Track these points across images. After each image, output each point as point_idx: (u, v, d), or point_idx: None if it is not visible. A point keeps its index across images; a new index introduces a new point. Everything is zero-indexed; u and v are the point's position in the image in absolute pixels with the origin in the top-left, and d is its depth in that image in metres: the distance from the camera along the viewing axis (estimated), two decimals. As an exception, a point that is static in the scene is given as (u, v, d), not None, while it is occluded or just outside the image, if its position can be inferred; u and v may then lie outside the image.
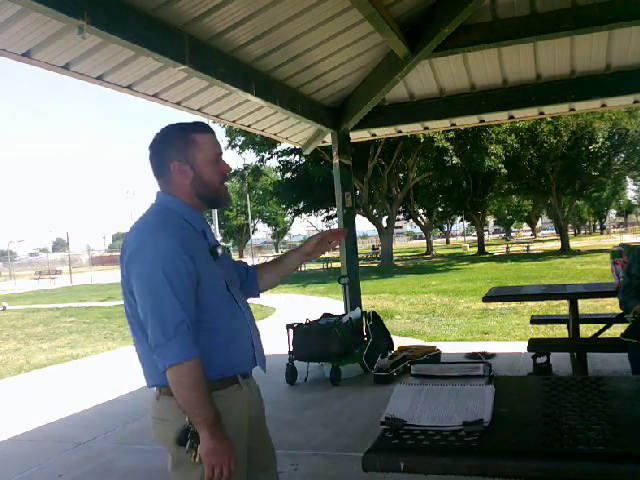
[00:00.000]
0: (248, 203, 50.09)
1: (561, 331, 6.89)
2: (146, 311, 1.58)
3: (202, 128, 1.74)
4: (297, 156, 28.66)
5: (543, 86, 5.76)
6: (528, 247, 34.09)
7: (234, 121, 5.62)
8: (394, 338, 6.42)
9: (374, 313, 6.06)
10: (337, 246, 2.00)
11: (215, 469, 1.56)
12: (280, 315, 11.62)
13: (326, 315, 5.88)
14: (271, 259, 2.12)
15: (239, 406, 1.70)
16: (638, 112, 27.17)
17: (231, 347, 1.70)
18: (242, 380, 1.73)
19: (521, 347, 5.37)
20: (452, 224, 69.09)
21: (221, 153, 1.77)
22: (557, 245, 35.77)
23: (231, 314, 1.72)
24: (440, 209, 39.25)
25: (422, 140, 22.71)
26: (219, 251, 1.74)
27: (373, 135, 7.16)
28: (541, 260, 24.52)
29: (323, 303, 13.39)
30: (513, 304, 10.14)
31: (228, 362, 1.69)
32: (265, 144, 26.58)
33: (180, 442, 1.58)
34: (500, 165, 25.72)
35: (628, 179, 40.95)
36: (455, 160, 24.25)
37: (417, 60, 4.96)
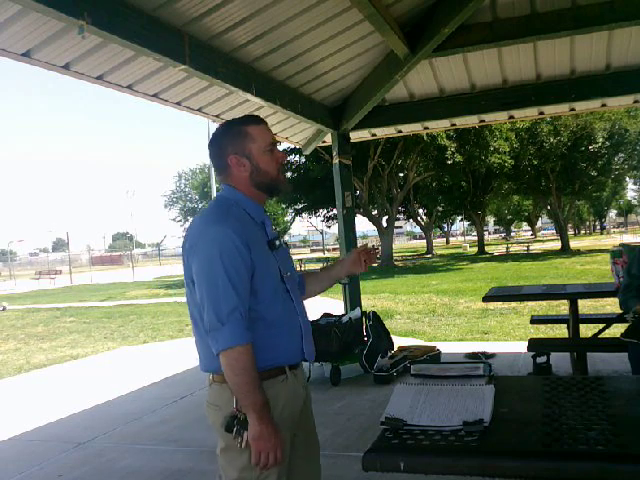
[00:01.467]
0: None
1: (561, 331, 6.88)
2: (202, 297, 1.65)
3: (254, 120, 1.82)
4: (297, 156, 28.65)
5: (543, 86, 5.75)
6: (528, 247, 34.08)
7: (234, 121, 5.62)
8: (394, 338, 6.42)
9: (374, 313, 6.06)
10: (374, 264, 2.07)
11: (262, 454, 1.61)
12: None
13: (326, 315, 5.88)
14: (313, 270, 2.25)
15: (286, 396, 1.75)
16: (638, 112, 27.17)
17: (280, 338, 1.75)
18: (289, 371, 1.78)
19: (521, 347, 5.36)
20: (452, 224, 69.14)
21: (275, 142, 1.84)
22: (557, 245, 35.78)
23: (283, 306, 1.77)
24: (440, 209, 39.25)
25: (425, 138, 22.66)
26: (277, 243, 1.80)
27: (373, 135, 7.16)
28: (541, 260, 24.52)
29: (323, 303, 13.40)
30: (513, 304, 10.14)
31: (276, 352, 1.74)
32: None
33: (228, 428, 1.65)
34: (506, 157, 25.64)
35: (628, 179, 40.91)
36: (457, 157, 24.22)
37: (417, 60, 4.96)
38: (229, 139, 1.78)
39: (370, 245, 2.08)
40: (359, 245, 2.04)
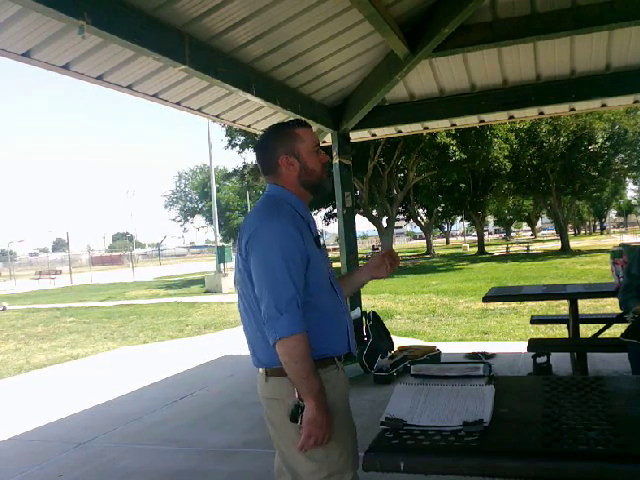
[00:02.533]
0: (248, 203, 50.09)
1: (561, 331, 6.89)
2: (262, 287, 1.73)
3: (301, 123, 1.94)
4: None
5: (543, 86, 5.75)
6: (528, 247, 34.08)
7: (234, 121, 5.62)
8: (394, 338, 6.42)
9: (374, 313, 6.07)
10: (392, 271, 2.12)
11: (311, 438, 1.69)
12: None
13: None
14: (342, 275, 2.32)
15: (340, 385, 1.86)
16: (637, 112, 27.17)
17: (331, 329, 1.84)
18: (338, 362, 1.87)
19: (521, 347, 5.37)
20: (452, 224, 69.13)
21: (319, 144, 1.95)
22: (557, 245, 35.77)
23: (331, 298, 1.87)
24: (440, 209, 39.25)
25: (426, 137, 22.64)
26: (321, 242, 1.90)
27: (373, 135, 7.15)
28: (541, 260, 24.51)
29: (323, 303, 13.38)
30: (513, 304, 10.14)
31: (328, 343, 1.82)
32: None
33: (293, 418, 1.72)
34: (505, 160, 25.67)
35: (628, 179, 40.89)
36: (458, 155, 24.20)
37: (417, 60, 4.96)
38: (280, 140, 1.89)
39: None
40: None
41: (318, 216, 36.88)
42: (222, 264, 21.23)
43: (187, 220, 71.25)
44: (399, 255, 2.19)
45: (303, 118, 5.34)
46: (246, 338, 1.89)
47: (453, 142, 23.87)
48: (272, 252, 1.71)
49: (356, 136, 6.76)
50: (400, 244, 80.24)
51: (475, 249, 37.66)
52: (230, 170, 43.74)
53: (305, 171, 1.88)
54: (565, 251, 30.29)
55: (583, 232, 74.58)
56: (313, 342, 1.74)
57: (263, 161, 1.94)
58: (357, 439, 1.91)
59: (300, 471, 1.79)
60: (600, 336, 4.91)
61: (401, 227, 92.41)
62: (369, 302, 12.29)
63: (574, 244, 35.80)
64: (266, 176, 1.94)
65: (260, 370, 1.86)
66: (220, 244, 23.22)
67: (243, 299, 1.85)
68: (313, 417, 1.67)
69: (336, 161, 6.05)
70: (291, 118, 5.63)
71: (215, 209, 23.31)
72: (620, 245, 4.57)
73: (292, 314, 1.68)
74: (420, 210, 40.08)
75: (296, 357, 1.67)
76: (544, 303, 9.82)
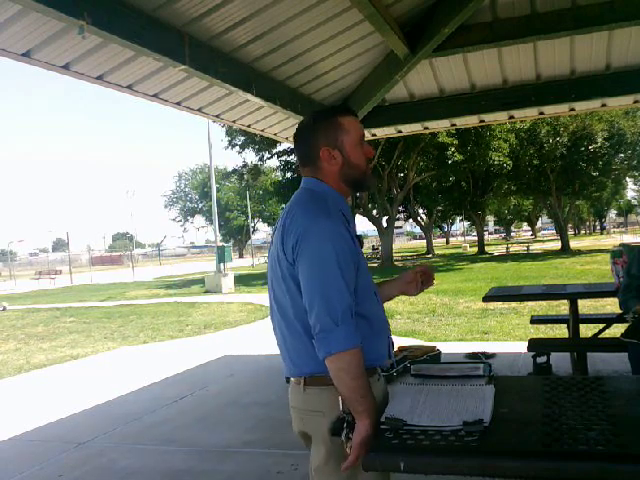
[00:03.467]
0: (248, 203, 50.10)
1: (561, 331, 6.89)
2: (313, 295, 1.55)
3: (347, 111, 1.75)
4: (297, 156, 28.61)
5: (543, 86, 5.75)
6: (528, 247, 34.07)
7: (234, 121, 5.62)
8: (394, 338, 6.41)
9: (374, 313, 6.05)
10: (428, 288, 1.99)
11: (358, 460, 1.52)
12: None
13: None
14: None
15: (380, 394, 1.70)
16: (637, 113, 27.17)
17: (377, 338, 1.72)
18: (380, 372, 1.77)
19: (521, 347, 5.37)
20: (452, 224, 69.15)
21: (364, 135, 1.78)
22: (557, 245, 35.77)
23: (377, 305, 1.74)
24: (440, 209, 39.24)
25: (425, 137, 22.64)
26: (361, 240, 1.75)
27: (373, 135, 7.15)
28: (541, 260, 24.51)
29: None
30: (513, 304, 10.14)
31: (373, 352, 1.68)
32: (265, 143, 26.58)
33: (335, 432, 1.57)
34: (506, 159, 25.65)
35: (628, 179, 40.90)
36: (457, 157, 24.21)
37: (417, 60, 4.96)
38: (321, 130, 1.70)
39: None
40: (416, 266, 1.96)
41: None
42: (222, 264, 21.21)
43: (187, 220, 71.33)
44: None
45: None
46: (280, 343, 1.72)
47: (454, 142, 23.85)
48: (328, 258, 1.54)
49: (356, 136, 6.75)
50: (400, 244, 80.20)
51: (475, 249, 37.65)
52: (229, 169, 43.73)
53: (348, 166, 1.70)
54: (565, 251, 30.29)
55: (583, 232, 74.57)
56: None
57: (302, 152, 1.75)
58: None
59: None
60: (600, 336, 4.91)
61: (401, 227, 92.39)
62: (369, 302, 12.28)
63: (574, 244, 35.80)
64: (304, 168, 1.76)
65: (294, 379, 1.70)
66: (220, 244, 23.20)
67: (279, 299, 1.68)
68: (367, 437, 1.52)
69: (336, 161, 6.04)
70: (291, 118, 5.64)
71: (215, 209, 23.30)
72: (620, 245, 4.57)
73: (348, 325, 1.53)
74: (420, 210, 40.08)
75: (353, 373, 1.53)
76: (544, 303, 9.82)
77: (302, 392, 1.67)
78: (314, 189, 1.71)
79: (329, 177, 1.72)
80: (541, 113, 6.51)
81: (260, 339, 8.62)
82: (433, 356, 5.71)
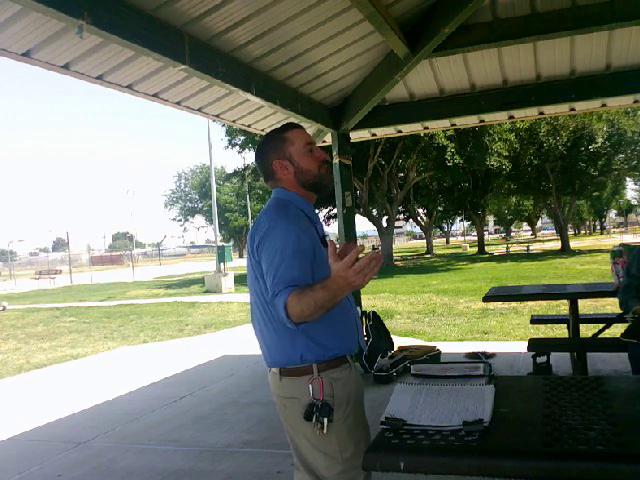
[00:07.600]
0: (248, 203, 50.09)
1: (561, 331, 6.89)
2: (269, 267, 1.73)
3: (290, 126, 1.97)
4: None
5: (543, 86, 5.75)
6: (528, 247, 34.07)
7: (234, 121, 5.62)
8: (394, 338, 6.42)
9: (374, 313, 6.06)
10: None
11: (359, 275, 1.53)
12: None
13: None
14: None
15: (353, 382, 1.88)
16: (637, 113, 27.16)
17: (341, 327, 1.88)
18: (350, 360, 1.91)
19: (521, 347, 5.37)
20: (452, 224, 69.12)
21: (312, 143, 1.96)
22: (557, 245, 35.77)
23: None
24: (440, 209, 39.23)
25: (425, 137, 22.64)
26: (327, 241, 1.89)
27: (373, 135, 7.15)
28: (541, 260, 24.51)
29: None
30: (513, 304, 10.14)
31: (340, 341, 1.86)
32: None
33: (308, 417, 1.75)
34: (504, 160, 25.65)
35: (628, 179, 40.90)
36: (457, 159, 24.20)
37: (417, 60, 4.96)
38: (270, 147, 1.93)
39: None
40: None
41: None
42: (222, 264, 21.21)
43: (187, 220, 71.36)
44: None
45: (300, 118, 5.35)
46: (259, 339, 1.90)
47: (452, 145, 23.84)
48: (283, 247, 1.72)
49: (356, 136, 6.76)
50: (400, 244, 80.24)
51: (475, 249, 37.66)
52: (230, 171, 43.73)
53: (300, 172, 1.90)
54: (565, 251, 30.28)
55: (583, 232, 74.57)
56: (326, 341, 1.79)
57: (261, 169, 1.99)
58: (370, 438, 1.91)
59: (315, 466, 1.82)
60: (600, 336, 4.91)
61: (401, 227, 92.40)
62: (369, 302, 12.30)
63: (574, 244, 35.80)
64: (268, 182, 1.98)
65: (273, 370, 1.88)
66: (220, 244, 23.20)
67: (256, 298, 1.86)
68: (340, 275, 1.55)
69: (336, 161, 6.05)
70: (291, 118, 5.65)
71: (215, 209, 23.29)
72: (620, 245, 4.57)
73: (290, 289, 1.66)
74: (420, 210, 40.05)
75: (309, 304, 1.60)
76: (544, 303, 9.82)
77: (279, 381, 1.87)
78: (280, 197, 1.92)
79: (289, 184, 1.92)
80: (541, 113, 6.52)
81: (260, 339, 8.60)
82: (433, 356, 5.72)
